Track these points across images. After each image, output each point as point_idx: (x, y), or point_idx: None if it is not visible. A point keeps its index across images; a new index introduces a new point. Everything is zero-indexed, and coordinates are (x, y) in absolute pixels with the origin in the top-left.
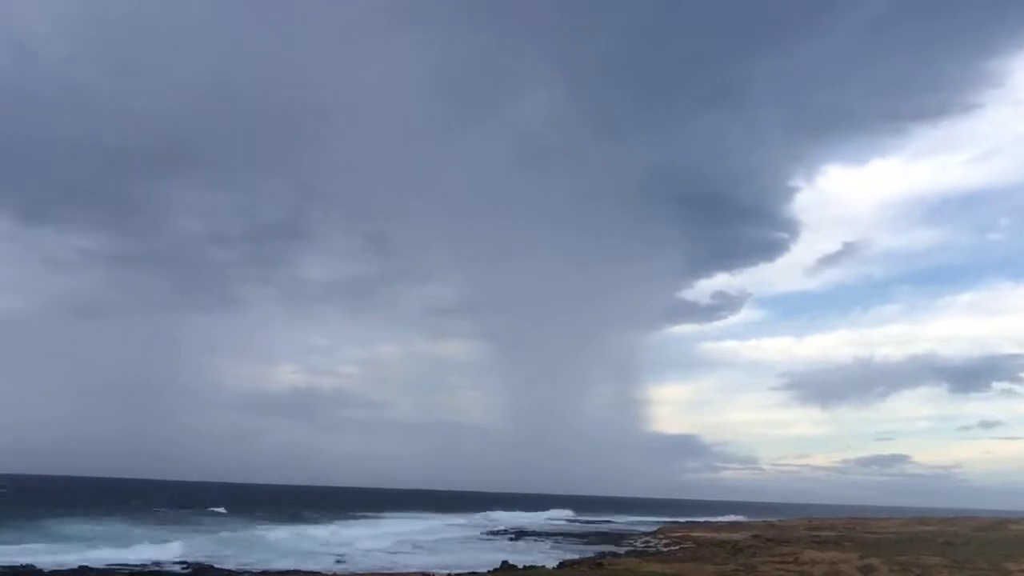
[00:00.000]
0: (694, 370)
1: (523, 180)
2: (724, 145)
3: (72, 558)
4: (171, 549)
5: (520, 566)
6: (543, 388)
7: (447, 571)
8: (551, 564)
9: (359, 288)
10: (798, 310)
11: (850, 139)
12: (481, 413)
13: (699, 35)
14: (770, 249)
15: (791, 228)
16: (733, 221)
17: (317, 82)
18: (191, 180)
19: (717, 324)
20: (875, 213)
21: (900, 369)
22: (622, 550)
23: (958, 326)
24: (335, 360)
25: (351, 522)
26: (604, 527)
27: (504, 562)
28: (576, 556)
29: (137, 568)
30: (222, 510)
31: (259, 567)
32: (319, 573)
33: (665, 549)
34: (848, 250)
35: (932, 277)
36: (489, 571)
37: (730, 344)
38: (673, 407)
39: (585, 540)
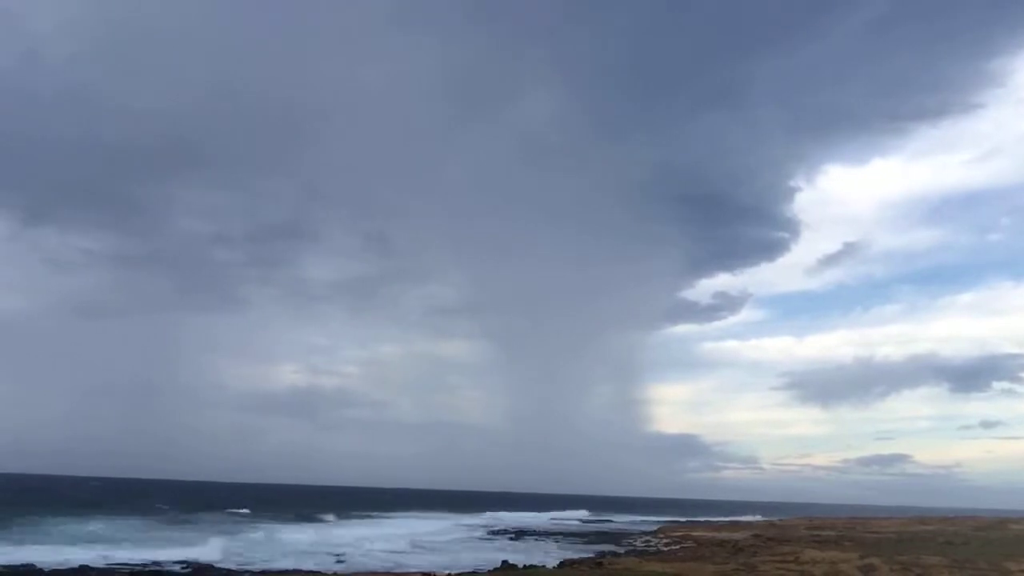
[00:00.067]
0: (695, 370)
1: (524, 180)
2: (725, 145)
3: (122, 556)
4: (209, 551)
5: (520, 566)
6: (544, 388)
7: (447, 571)
8: (551, 564)
9: (360, 288)
10: (799, 310)
11: (851, 139)
12: (482, 413)
13: (699, 35)
14: (771, 249)
15: (792, 228)
16: (734, 221)
17: (318, 82)
18: (192, 180)
19: (718, 324)
20: (876, 213)
21: (900, 369)
22: (622, 549)
23: (958, 326)
24: (336, 360)
25: (365, 522)
26: (604, 527)
27: (504, 562)
28: (576, 556)
29: (138, 568)
30: (246, 511)
31: (259, 567)
32: (319, 573)
33: (665, 548)
34: (849, 250)
35: (932, 277)
36: (489, 571)
37: (731, 344)
38: (674, 407)
39: (585, 540)
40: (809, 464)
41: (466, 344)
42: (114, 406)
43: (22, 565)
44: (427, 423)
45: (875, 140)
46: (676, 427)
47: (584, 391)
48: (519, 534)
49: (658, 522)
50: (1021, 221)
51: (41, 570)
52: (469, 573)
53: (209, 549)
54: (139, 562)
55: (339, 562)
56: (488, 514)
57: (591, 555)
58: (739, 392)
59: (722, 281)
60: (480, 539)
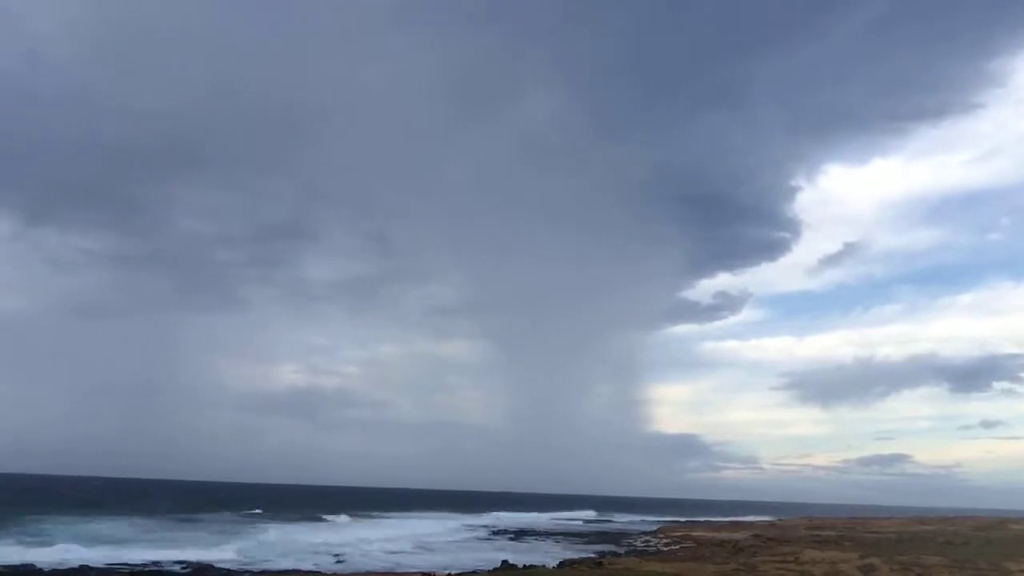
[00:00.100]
0: (695, 370)
1: (524, 180)
2: (725, 145)
3: (135, 557)
4: (224, 551)
5: (520, 565)
6: (544, 388)
7: (447, 571)
8: (551, 564)
9: (360, 288)
10: (799, 310)
11: (851, 139)
12: (482, 413)
13: (699, 35)
14: (771, 249)
15: (792, 228)
16: (734, 221)
17: (318, 82)
18: (193, 180)
19: (718, 324)
20: (876, 213)
21: (901, 369)
22: (622, 549)
23: (958, 326)
24: (336, 360)
25: (379, 522)
26: (604, 527)
27: (504, 561)
28: (576, 556)
29: (138, 568)
30: (258, 511)
31: (259, 567)
32: (319, 573)
33: (665, 548)
34: (849, 250)
35: (933, 277)
36: (489, 571)
37: (731, 344)
38: (674, 407)
39: (585, 539)
40: (809, 464)
41: (466, 344)
42: (114, 406)
43: (22, 565)
44: (427, 423)
45: (875, 140)
46: (676, 427)
47: (584, 391)
48: (519, 534)
49: (658, 522)
50: (1021, 221)
51: (41, 570)
52: (469, 573)
53: (224, 550)
54: (140, 562)
55: (339, 562)
56: (493, 514)
57: (591, 555)
58: (739, 392)
59: (722, 281)
60: (480, 539)
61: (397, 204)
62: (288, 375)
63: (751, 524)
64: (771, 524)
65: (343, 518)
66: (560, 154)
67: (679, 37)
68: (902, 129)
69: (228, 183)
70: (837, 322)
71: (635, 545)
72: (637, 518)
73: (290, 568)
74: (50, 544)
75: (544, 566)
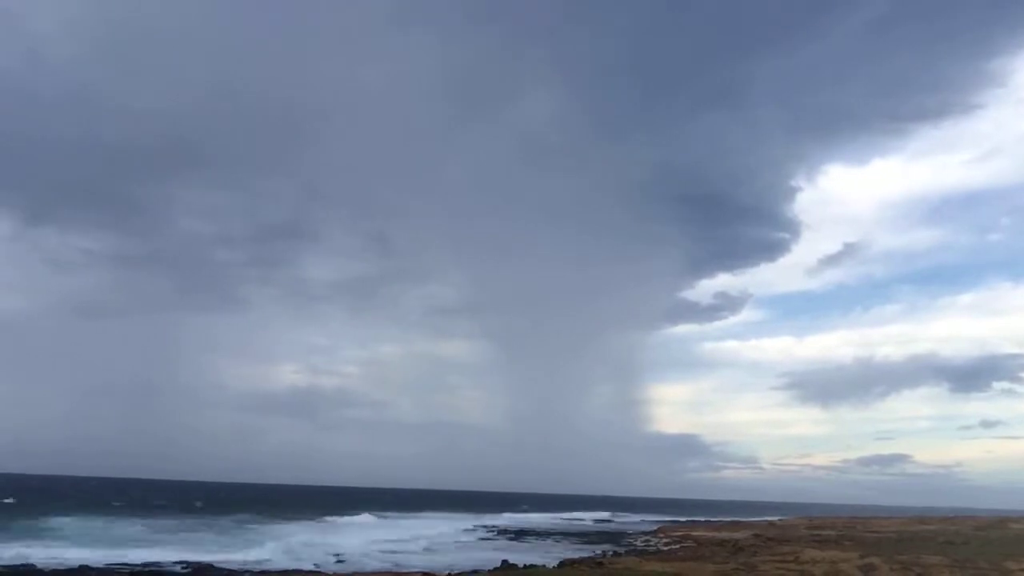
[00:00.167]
0: (695, 370)
1: (524, 180)
2: (725, 145)
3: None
4: (261, 552)
5: (521, 565)
6: (544, 388)
7: (447, 570)
8: (551, 563)
9: (360, 288)
10: (799, 310)
11: (851, 139)
12: (482, 413)
13: (699, 35)
14: (771, 249)
15: (792, 228)
16: (734, 221)
17: (318, 82)
18: (193, 180)
19: (718, 324)
20: (876, 213)
21: (900, 369)
22: (622, 549)
23: (958, 326)
24: (336, 360)
25: (389, 522)
26: (605, 527)
27: (504, 561)
28: (577, 555)
29: (138, 568)
30: (268, 510)
31: (259, 567)
32: (320, 573)
33: (665, 548)
34: (849, 250)
35: (932, 277)
36: (489, 571)
37: (731, 344)
38: (674, 407)
39: (586, 539)
40: (809, 464)
41: (466, 344)
42: (114, 406)
43: (22, 565)
44: (427, 423)
45: (875, 140)
46: (676, 427)
47: (584, 391)
48: (519, 534)
49: (658, 522)
50: (1021, 221)
51: (41, 570)
52: (469, 573)
53: (265, 550)
54: (140, 562)
55: (339, 562)
56: (507, 515)
57: (591, 555)
58: (739, 392)
59: (722, 281)
60: (481, 539)
61: (397, 204)
62: (288, 375)
63: (751, 524)
64: (771, 524)
65: (365, 517)
66: (560, 154)
67: (679, 37)
68: (902, 129)
69: (228, 183)
70: (837, 322)
71: (635, 545)
72: (637, 518)
73: (290, 568)
74: (50, 544)
75: (544, 566)
